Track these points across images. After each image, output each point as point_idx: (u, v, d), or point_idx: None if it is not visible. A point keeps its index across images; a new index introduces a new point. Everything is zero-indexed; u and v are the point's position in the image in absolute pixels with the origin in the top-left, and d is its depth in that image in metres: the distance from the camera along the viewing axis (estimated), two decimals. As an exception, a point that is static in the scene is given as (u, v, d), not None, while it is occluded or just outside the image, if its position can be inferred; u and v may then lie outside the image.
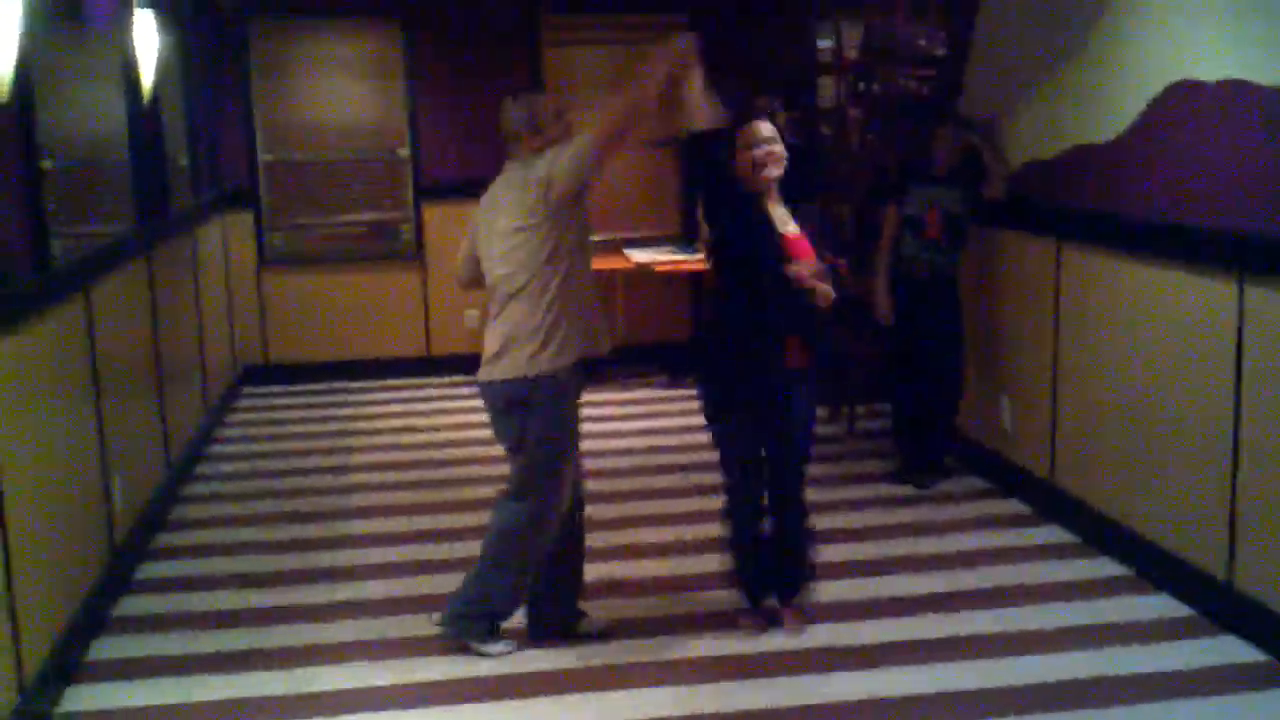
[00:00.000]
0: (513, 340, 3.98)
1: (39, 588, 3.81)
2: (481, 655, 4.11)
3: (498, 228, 4.05)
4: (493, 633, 4.16)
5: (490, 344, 4.05)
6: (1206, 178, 4.30)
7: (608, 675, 4.01)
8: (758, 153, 4.11)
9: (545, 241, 3.95)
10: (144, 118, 5.82)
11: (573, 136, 4.02)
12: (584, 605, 4.36)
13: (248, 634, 4.37)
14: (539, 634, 4.24)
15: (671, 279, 8.30)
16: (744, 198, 4.14)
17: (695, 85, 4.03)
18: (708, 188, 4.28)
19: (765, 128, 4.15)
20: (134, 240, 5.47)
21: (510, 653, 4.13)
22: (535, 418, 3.99)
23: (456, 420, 7.27)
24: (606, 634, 4.27)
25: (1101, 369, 4.95)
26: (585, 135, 3.94)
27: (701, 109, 4.05)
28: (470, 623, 4.14)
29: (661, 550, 5.07)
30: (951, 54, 6.28)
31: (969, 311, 5.86)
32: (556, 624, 4.25)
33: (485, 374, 4.06)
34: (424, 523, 5.47)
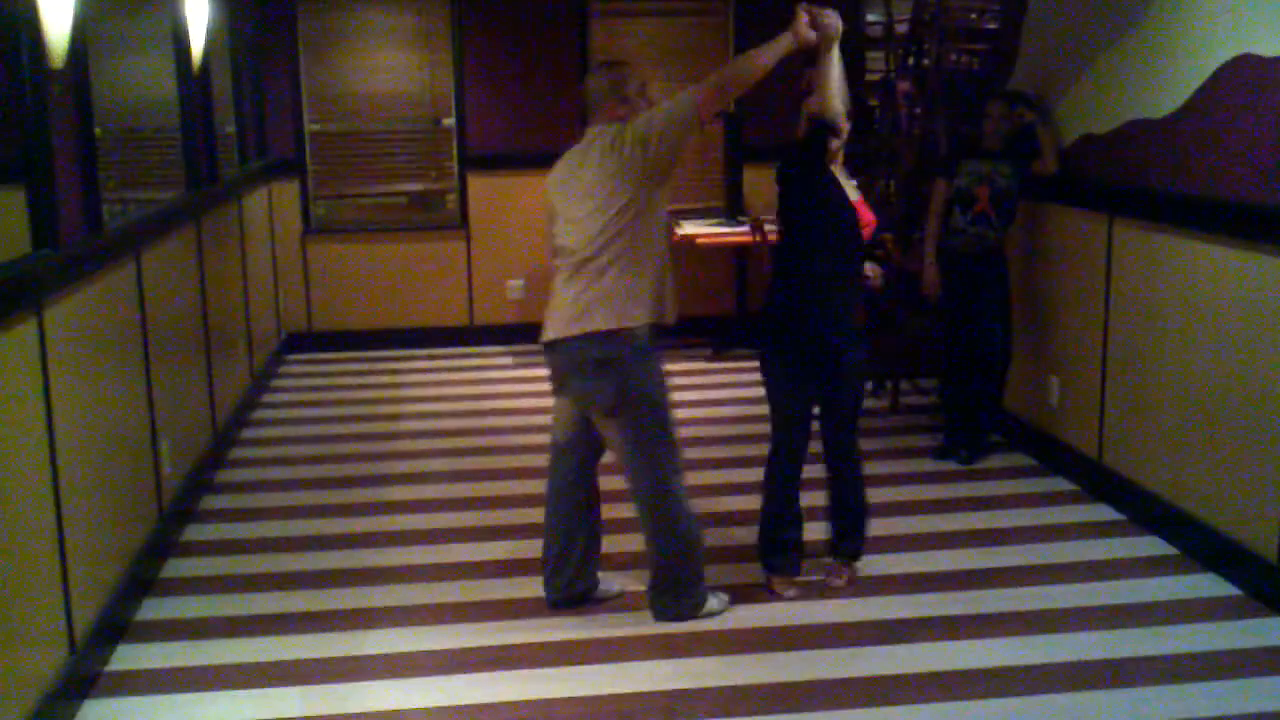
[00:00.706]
0: (600, 301, 3.93)
1: (89, 549, 3.86)
2: (710, 615, 4.17)
3: (578, 191, 4.00)
4: (711, 590, 4.22)
5: (568, 308, 3.99)
6: (1265, 154, 4.23)
7: (645, 644, 4.02)
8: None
9: (634, 206, 3.92)
10: (194, 87, 5.84)
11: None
12: (630, 573, 4.37)
13: (293, 597, 4.41)
14: (557, 602, 4.25)
15: (715, 251, 8.27)
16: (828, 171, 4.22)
17: (836, 69, 4.11)
18: (805, 164, 4.24)
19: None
20: (183, 207, 5.51)
21: (727, 606, 4.21)
22: (633, 375, 3.96)
23: (498, 389, 7.30)
24: (620, 599, 4.31)
25: (1153, 347, 4.89)
26: (687, 90, 3.93)
27: (836, 95, 4.12)
28: (677, 598, 4.15)
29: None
30: (1004, 27, 6.21)
31: (1017, 287, 5.80)
32: (576, 593, 4.27)
33: (566, 329, 3.97)
34: (466, 490, 5.50)
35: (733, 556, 4.70)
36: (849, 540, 4.46)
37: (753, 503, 5.21)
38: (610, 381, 3.96)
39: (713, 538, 4.89)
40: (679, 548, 4.13)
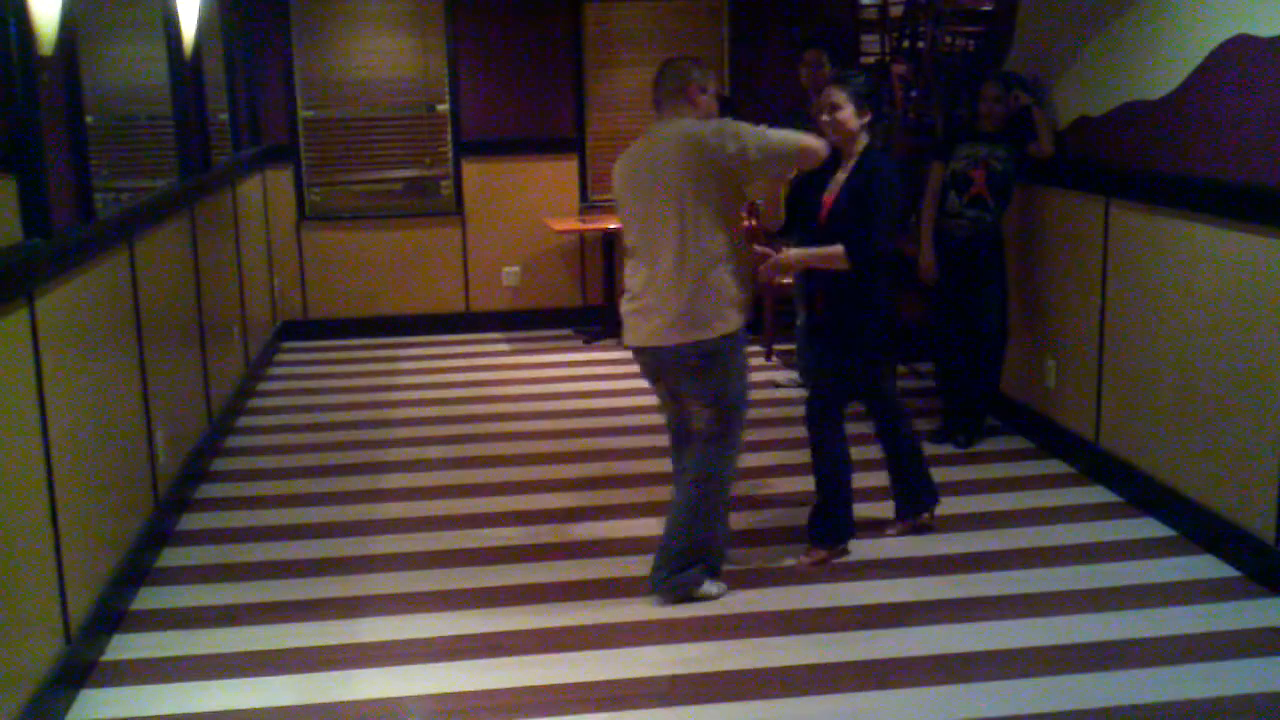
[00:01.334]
0: (710, 299, 4.05)
1: (84, 538, 3.84)
2: (706, 598, 4.18)
3: (659, 189, 4.06)
4: (713, 574, 4.24)
5: (670, 304, 4.05)
6: (1261, 135, 4.21)
7: (641, 630, 4.02)
8: (823, 119, 4.41)
9: (730, 205, 4.10)
10: (186, 73, 5.81)
11: (714, 110, 4.20)
12: (623, 559, 4.36)
13: (288, 585, 4.41)
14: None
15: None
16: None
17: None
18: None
19: (830, 94, 4.41)
20: (176, 194, 5.49)
21: (725, 592, 4.22)
22: (732, 369, 4.15)
23: (494, 376, 7.28)
24: (618, 585, 4.33)
25: (1150, 329, 4.88)
26: (792, 142, 4.12)
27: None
28: (691, 573, 4.18)
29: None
30: (999, 9, 6.19)
31: (1014, 271, 5.79)
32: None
33: (683, 336, 4.06)
34: (463, 477, 5.49)
35: (734, 542, 4.69)
36: (819, 523, 4.60)
37: (734, 488, 5.23)
38: (714, 378, 4.12)
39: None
40: (707, 534, 4.20)
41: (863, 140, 4.41)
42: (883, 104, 4.10)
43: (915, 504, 4.78)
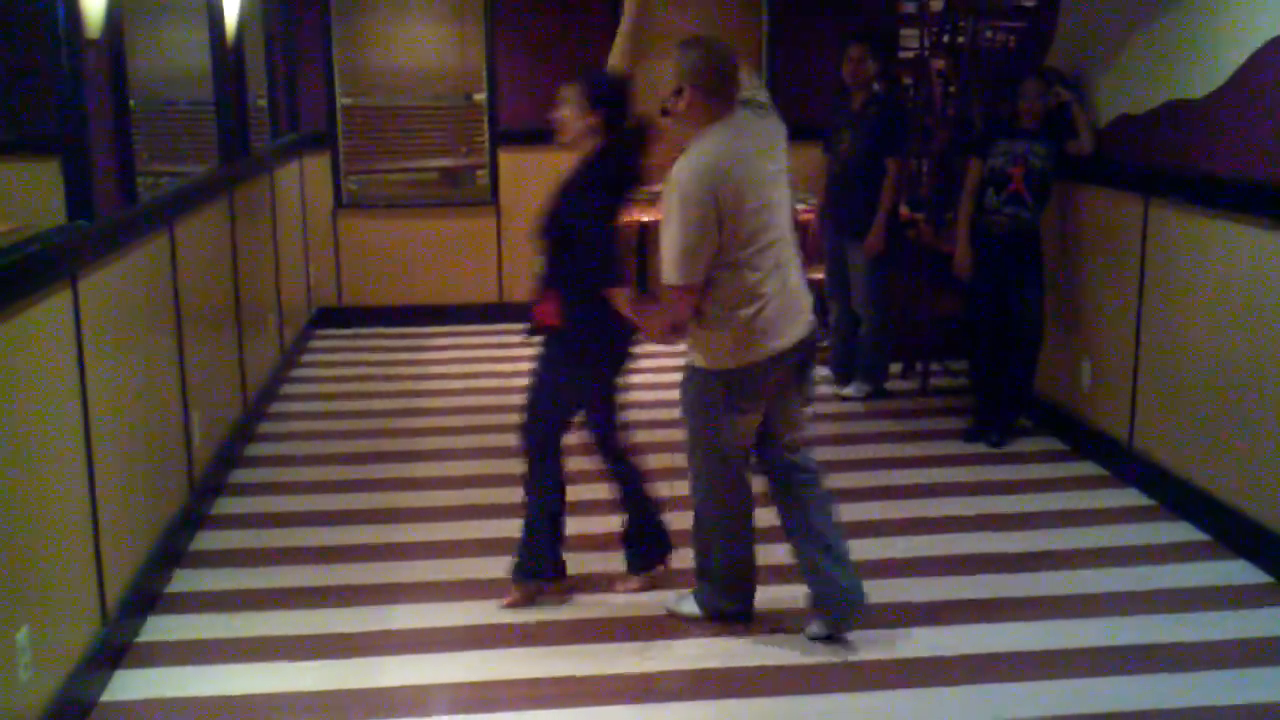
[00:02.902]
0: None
1: (121, 521, 3.88)
2: (682, 614, 4.06)
3: (769, 173, 3.72)
4: (701, 598, 4.05)
5: (803, 298, 3.79)
6: (1306, 136, 4.18)
7: (667, 624, 4.03)
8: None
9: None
10: (227, 59, 5.85)
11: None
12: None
13: (320, 571, 4.44)
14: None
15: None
16: None
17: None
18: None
19: (560, 90, 4.03)
20: (216, 180, 5.53)
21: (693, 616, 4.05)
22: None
23: (527, 367, 7.27)
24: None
25: (1187, 331, 4.85)
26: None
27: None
28: (696, 588, 4.07)
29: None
30: (1040, 5, 6.14)
31: (1050, 269, 5.75)
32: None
33: (810, 327, 3.81)
34: (494, 466, 5.50)
35: (760, 538, 4.69)
36: (639, 549, 4.28)
37: (765, 485, 5.22)
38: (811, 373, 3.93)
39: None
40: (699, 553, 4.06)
41: (591, 142, 3.93)
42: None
43: (647, 557, 4.28)
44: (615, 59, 4.07)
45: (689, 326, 3.73)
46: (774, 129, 3.82)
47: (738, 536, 3.97)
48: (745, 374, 3.72)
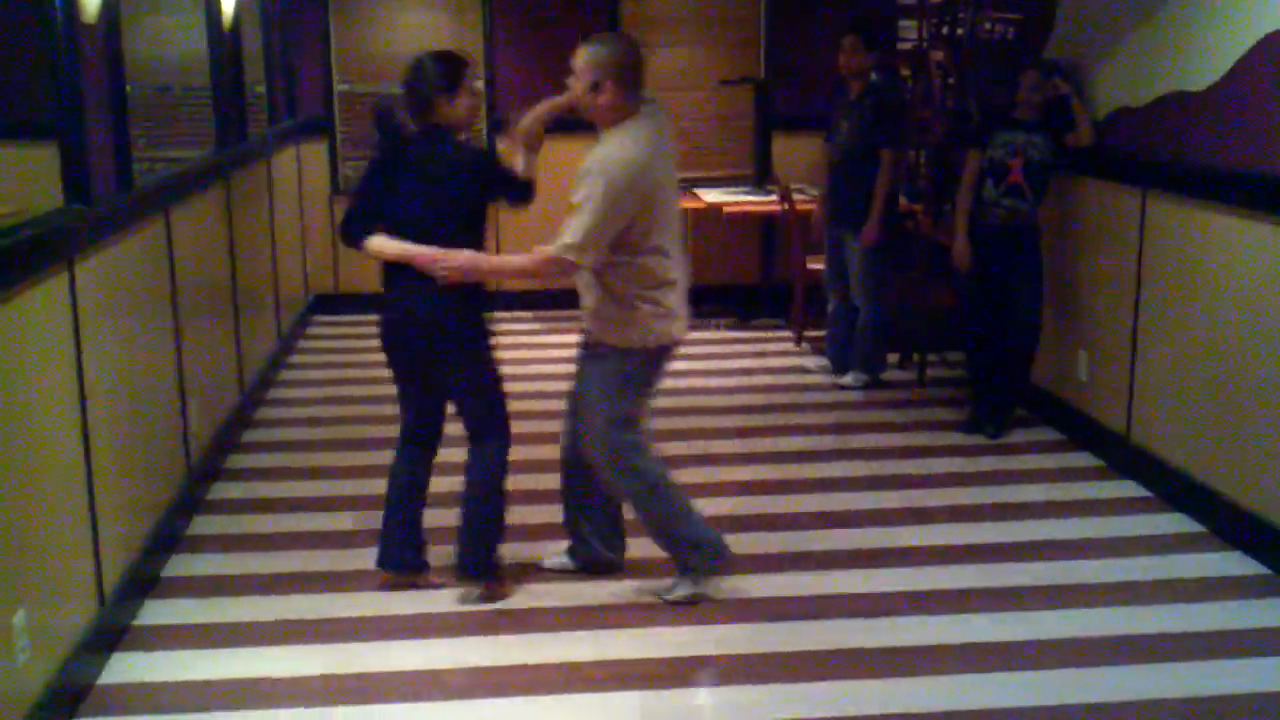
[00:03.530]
0: None
1: (119, 504, 3.88)
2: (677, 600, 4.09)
3: (673, 167, 3.96)
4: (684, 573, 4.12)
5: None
6: (1305, 128, 4.18)
7: (670, 611, 4.03)
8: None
9: None
10: (224, 45, 5.83)
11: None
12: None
13: (318, 556, 4.44)
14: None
15: (742, 220, 8.23)
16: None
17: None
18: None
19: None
20: (212, 165, 5.52)
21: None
22: None
23: (526, 355, 7.29)
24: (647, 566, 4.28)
25: (1185, 323, 4.85)
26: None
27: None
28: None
29: (721, 489, 5.08)
30: (1040, -3, 6.14)
31: (1048, 261, 5.75)
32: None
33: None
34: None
35: (757, 525, 4.70)
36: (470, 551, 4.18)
37: (764, 473, 5.24)
38: None
39: (719, 508, 4.91)
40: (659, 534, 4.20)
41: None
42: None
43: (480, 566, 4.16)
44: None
45: (603, 308, 3.90)
46: (668, 126, 3.97)
47: (673, 498, 4.08)
48: (660, 353, 3.96)
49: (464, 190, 3.94)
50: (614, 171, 3.71)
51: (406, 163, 3.94)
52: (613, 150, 3.76)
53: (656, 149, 3.82)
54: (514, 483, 4.65)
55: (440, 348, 4.02)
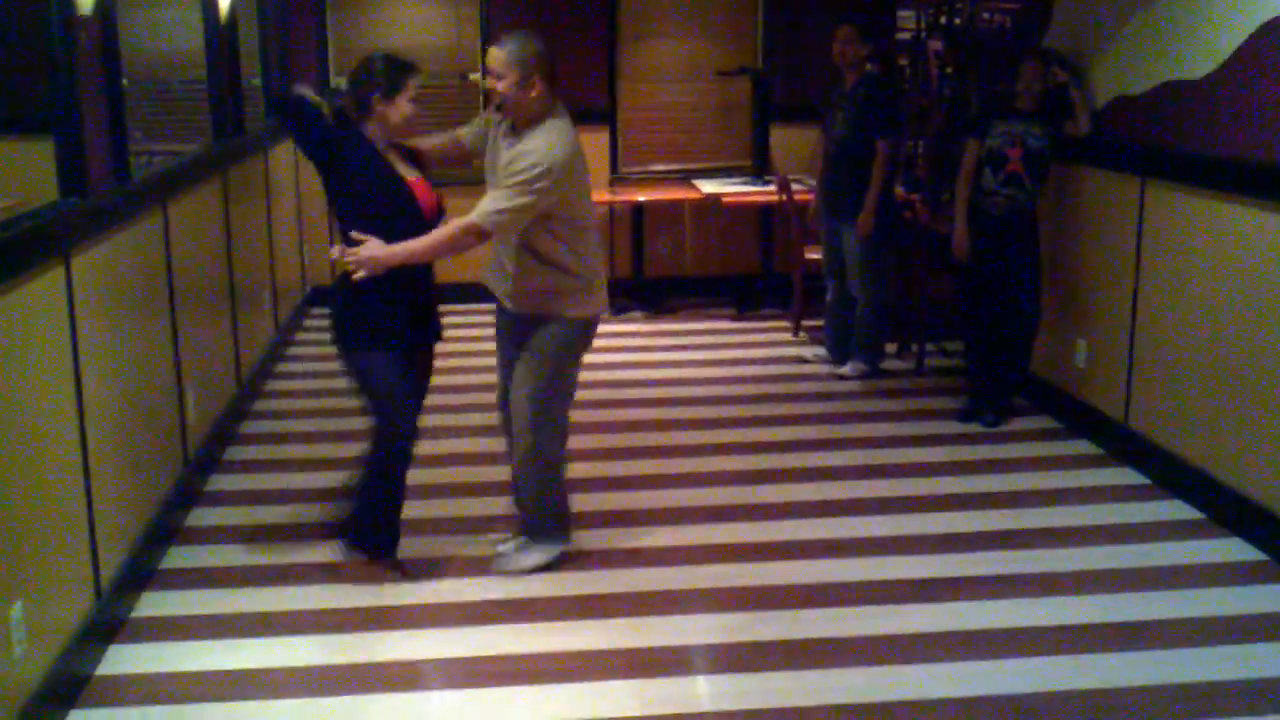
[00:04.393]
0: None
1: (116, 496, 3.88)
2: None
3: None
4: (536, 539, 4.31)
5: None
6: (1302, 115, 4.17)
7: (670, 599, 4.04)
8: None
9: None
10: (221, 39, 5.82)
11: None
12: (649, 529, 4.38)
13: (315, 547, 4.43)
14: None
15: (741, 211, 8.22)
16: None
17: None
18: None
19: None
20: (210, 158, 5.51)
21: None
22: None
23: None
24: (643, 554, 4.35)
25: (1183, 311, 4.85)
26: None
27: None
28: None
29: (712, 480, 5.08)
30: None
31: (1046, 249, 5.75)
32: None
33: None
34: (486, 444, 5.48)
35: (755, 514, 4.70)
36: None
37: (762, 462, 5.25)
38: None
39: (718, 497, 4.91)
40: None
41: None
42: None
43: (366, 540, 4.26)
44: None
45: (549, 284, 4.04)
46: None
47: (563, 471, 4.33)
48: (594, 323, 4.17)
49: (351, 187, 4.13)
50: (556, 165, 3.83)
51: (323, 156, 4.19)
52: (555, 142, 3.87)
53: (577, 145, 3.98)
54: (472, 474, 4.73)
55: (337, 346, 4.18)
